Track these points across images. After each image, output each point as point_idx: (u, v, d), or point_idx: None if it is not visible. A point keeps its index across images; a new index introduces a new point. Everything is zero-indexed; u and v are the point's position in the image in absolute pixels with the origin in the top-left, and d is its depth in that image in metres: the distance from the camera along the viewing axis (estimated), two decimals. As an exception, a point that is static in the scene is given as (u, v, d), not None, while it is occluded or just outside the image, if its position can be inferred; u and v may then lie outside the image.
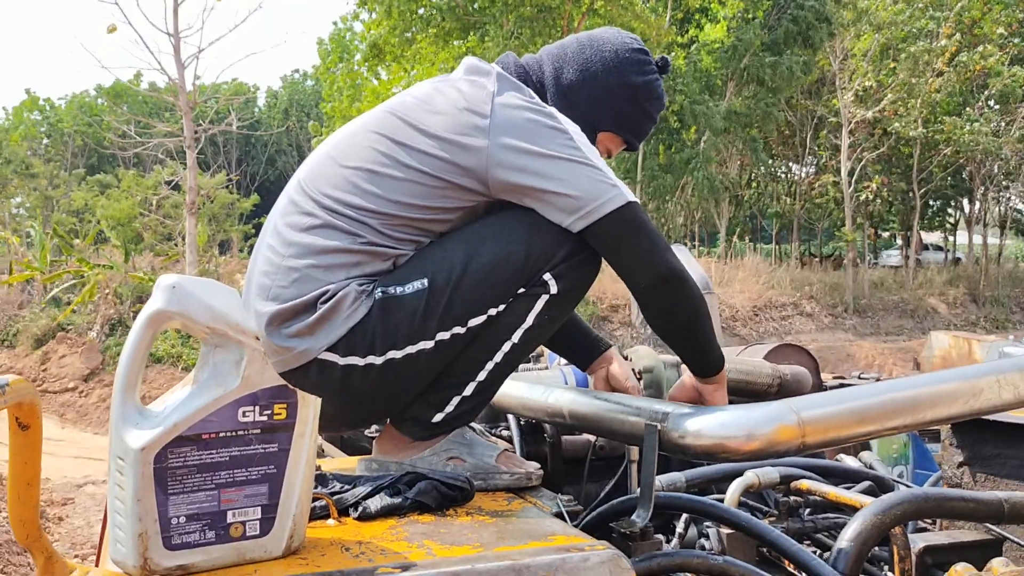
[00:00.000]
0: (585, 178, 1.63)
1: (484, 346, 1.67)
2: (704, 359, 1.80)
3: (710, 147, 21.49)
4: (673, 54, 20.61)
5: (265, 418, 1.26)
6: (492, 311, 1.64)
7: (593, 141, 1.89)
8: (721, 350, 1.83)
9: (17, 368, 14.18)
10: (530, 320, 1.67)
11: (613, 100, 1.89)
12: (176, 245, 18.56)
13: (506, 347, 1.68)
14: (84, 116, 37.91)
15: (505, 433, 2.35)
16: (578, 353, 2.08)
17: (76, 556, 5.36)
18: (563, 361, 2.66)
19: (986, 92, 25.02)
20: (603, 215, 1.62)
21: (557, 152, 1.63)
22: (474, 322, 1.63)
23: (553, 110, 1.70)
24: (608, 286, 18.61)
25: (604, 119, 1.91)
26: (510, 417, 2.31)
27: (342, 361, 1.59)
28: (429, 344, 1.61)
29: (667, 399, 1.90)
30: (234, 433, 1.24)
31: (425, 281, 1.60)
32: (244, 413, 1.24)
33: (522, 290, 1.65)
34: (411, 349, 1.61)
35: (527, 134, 1.63)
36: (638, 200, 1.67)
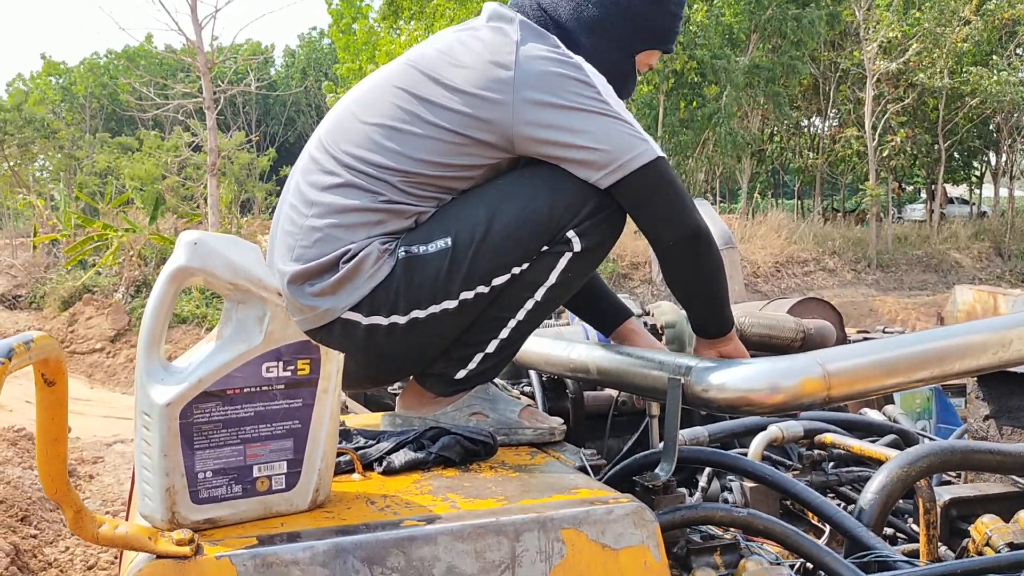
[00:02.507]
0: (614, 132, 1.59)
1: (507, 304, 1.66)
2: (717, 319, 1.77)
3: (731, 102, 21.19)
4: (695, 7, 20.26)
5: (289, 374, 1.27)
6: (516, 269, 1.62)
7: (632, 66, 1.86)
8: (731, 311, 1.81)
9: (45, 330, 14.28)
10: (553, 278, 1.65)
11: (639, 17, 1.82)
12: (198, 207, 18.63)
13: (529, 305, 1.67)
14: (96, 78, 37.94)
15: (528, 389, 2.36)
16: (601, 319, 2.06)
17: (107, 512, 5.47)
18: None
19: (1015, 41, 24.46)
20: (632, 170, 1.58)
21: (584, 105, 1.59)
22: (498, 281, 1.61)
23: (580, 60, 1.65)
24: (628, 243, 18.53)
25: (637, 40, 1.84)
26: (532, 373, 2.31)
27: (365, 320, 1.59)
28: (453, 304, 1.60)
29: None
30: (258, 388, 1.24)
31: (448, 240, 1.58)
32: (268, 369, 1.25)
33: (546, 248, 1.63)
34: (435, 309, 1.60)
35: (553, 87, 1.59)
36: (665, 156, 1.64)
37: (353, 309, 1.58)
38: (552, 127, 1.59)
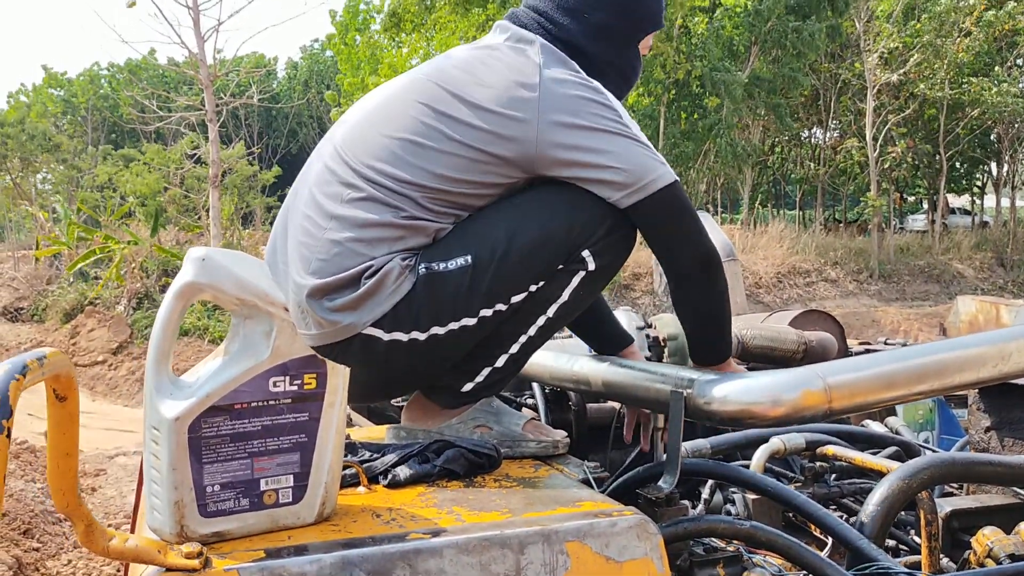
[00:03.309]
0: (636, 154, 1.62)
1: (519, 320, 1.67)
2: (718, 347, 1.79)
3: (731, 113, 21.23)
4: (696, 19, 20.32)
5: (295, 388, 1.28)
6: (532, 287, 1.63)
7: (638, 54, 1.89)
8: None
9: (47, 342, 14.39)
10: (566, 296, 1.67)
11: (635, 8, 1.85)
12: (200, 219, 18.66)
13: (540, 321, 1.68)
14: (96, 89, 38.11)
15: (531, 401, 2.37)
16: (603, 344, 2.07)
17: (109, 525, 5.46)
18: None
19: (1015, 52, 24.53)
20: (653, 191, 1.61)
21: (606, 127, 1.61)
22: (516, 298, 1.63)
23: (599, 85, 1.68)
24: (631, 255, 18.52)
25: (638, 30, 1.86)
26: (535, 385, 2.32)
27: (386, 336, 1.59)
28: (472, 321, 1.61)
29: None
30: (265, 403, 1.26)
31: (469, 258, 1.59)
32: (275, 383, 1.26)
33: (561, 266, 1.65)
34: (454, 326, 1.61)
35: (577, 109, 1.62)
36: (679, 179, 1.66)
37: (374, 325, 1.58)
38: (577, 148, 1.61)
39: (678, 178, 1.64)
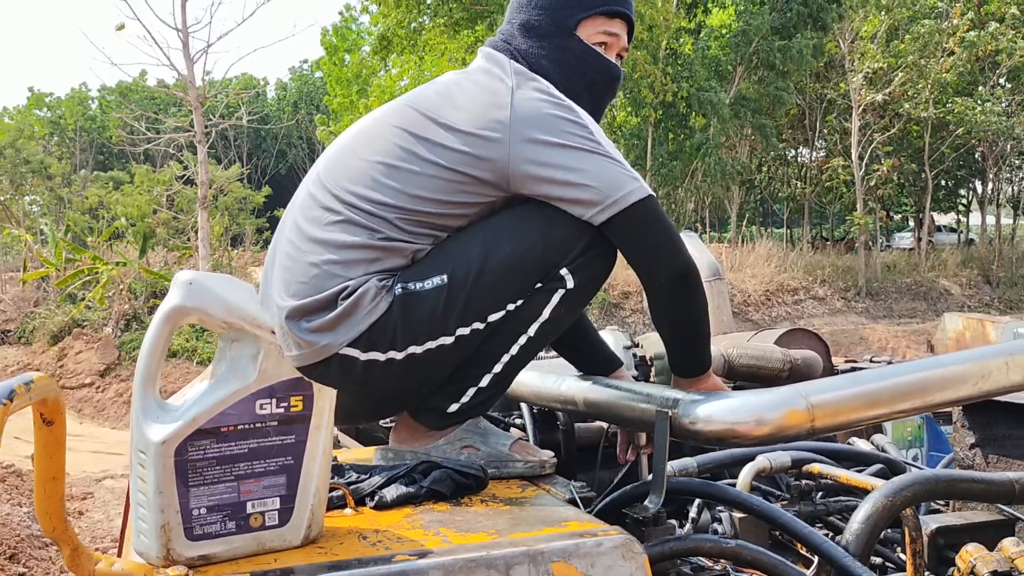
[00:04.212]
0: (606, 170, 1.64)
1: (501, 339, 1.69)
2: (699, 358, 1.79)
3: (718, 133, 21.37)
4: (681, 40, 20.49)
5: (282, 410, 1.29)
6: (510, 306, 1.65)
7: (580, 43, 1.84)
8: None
9: (34, 364, 14.29)
10: (546, 314, 1.69)
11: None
12: (189, 240, 18.62)
13: (522, 340, 1.70)
14: (84, 110, 38.11)
15: (519, 421, 2.37)
16: (592, 368, 2.07)
17: (97, 549, 5.42)
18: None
19: (996, 72, 24.81)
20: (625, 207, 1.63)
21: (577, 144, 1.64)
22: (493, 317, 1.65)
23: (572, 104, 1.70)
24: (619, 273, 18.57)
25: (562, 15, 1.82)
26: (523, 405, 2.33)
27: (363, 356, 1.61)
28: (449, 339, 1.63)
29: None
30: (252, 425, 1.26)
31: (444, 277, 1.61)
32: (261, 406, 1.27)
33: (539, 285, 1.67)
34: (431, 344, 1.63)
35: (548, 127, 1.64)
36: (655, 194, 1.68)
37: (351, 345, 1.60)
38: (547, 164, 1.63)
39: (652, 193, 1.66)
